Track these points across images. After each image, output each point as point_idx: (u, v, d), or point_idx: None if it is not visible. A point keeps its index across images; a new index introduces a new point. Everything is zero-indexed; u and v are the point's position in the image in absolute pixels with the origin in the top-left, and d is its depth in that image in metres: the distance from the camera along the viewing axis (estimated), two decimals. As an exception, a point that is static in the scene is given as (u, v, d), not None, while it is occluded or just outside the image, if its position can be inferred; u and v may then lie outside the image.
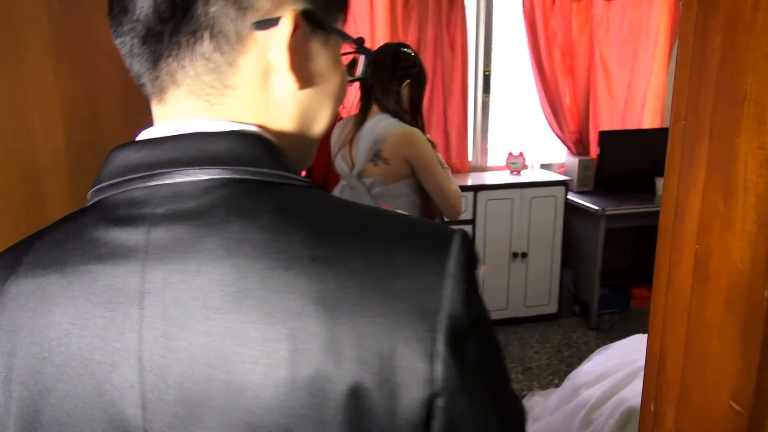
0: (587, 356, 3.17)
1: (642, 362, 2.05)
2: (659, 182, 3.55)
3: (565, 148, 3.73)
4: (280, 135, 0.50)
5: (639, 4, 3.58)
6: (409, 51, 1.92)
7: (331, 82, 0.52)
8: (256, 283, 0.42)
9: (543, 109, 3.61)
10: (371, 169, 1.86)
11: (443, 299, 0.42)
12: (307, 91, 0.50)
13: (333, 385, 0.41)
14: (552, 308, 3.58)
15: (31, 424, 0.46)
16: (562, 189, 3.43)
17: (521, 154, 3.59)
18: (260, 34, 0.47)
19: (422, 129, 1.94)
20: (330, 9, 0.51)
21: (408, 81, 1.89)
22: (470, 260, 0.45)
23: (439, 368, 0.42)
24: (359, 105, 1.95)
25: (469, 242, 0.45)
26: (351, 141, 1.93)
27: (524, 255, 3.46)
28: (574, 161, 3.64)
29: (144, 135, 0.49)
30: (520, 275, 3.48)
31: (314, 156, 0.57)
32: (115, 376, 0.44)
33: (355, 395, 0.41)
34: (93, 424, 0.45)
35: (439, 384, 0.42)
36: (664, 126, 3.73)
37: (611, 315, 3.68)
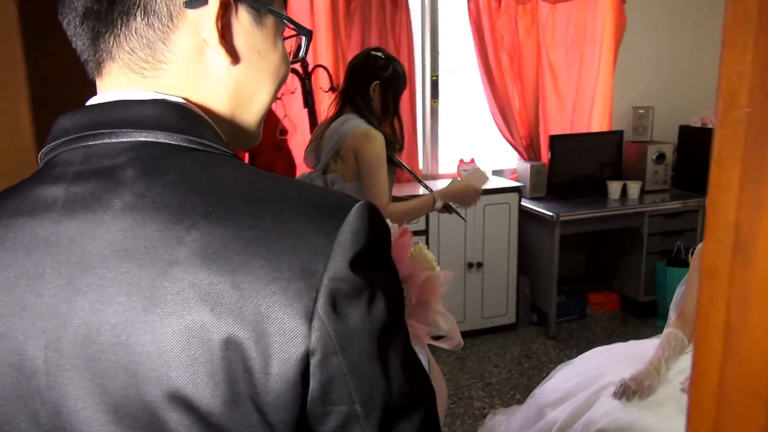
0: (547, 368, 3.08)
1: (607, 379, 1.96)
2: (611, 186, 3.51)
3: (516, 154, 3.65)
4: (212, 109, 0.52)
5: (583, 7, 3.55)
6: (379, 54, 1.98)
7: (267, 60, 0.54)
8: (150, 235, 0.44)
9: (493, 114, 3.52)
10: (333, 165, 1.93)
11: (329, 261, 0.43)
12: (241, 67, 0.52)
13: (209, 335, 0.42)
14: (510, 318, 3.48)
15: None
16: (515, 195, 3.34)
17: (473, 161, 3.49)
18: (192, 12, 0.49)
19: (397, 134, 2.00)
20: None
21: (377, 83, 1.94)
22: (369, 229, 0.45)
23: (316, 327, 0.42)
24: (336, 105, 2.03)
25: (371, 213, 0.46)
26: (320, 137, 2.00)
27: (479, 265, 3.34)
28: (525, 167, 3.56)
29: (88, 103, 0.52)
30: (476, 286, 3.36)
31: (258, 136, 0.58)
32: (24, 320, 0.46)
33: (231, 347, 0.42)
34: (4, 365, 0.47)
35: (315, 343, 0.42)
36: (613, 129, 3.71)
37: (569, 322, 3.61)
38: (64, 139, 0.49)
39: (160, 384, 0.43)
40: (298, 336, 0.42)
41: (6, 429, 0.48)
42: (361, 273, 0.44)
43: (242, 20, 0.52)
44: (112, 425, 0.45)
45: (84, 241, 0.45)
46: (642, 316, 3.60)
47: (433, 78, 3.45)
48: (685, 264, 3.40)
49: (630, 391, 1.67)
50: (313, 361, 0.43)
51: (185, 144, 0.48)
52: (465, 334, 3.39)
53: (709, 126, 3.56)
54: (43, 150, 0.51)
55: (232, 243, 0.43)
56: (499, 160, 3.73)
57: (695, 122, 3.65)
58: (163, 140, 0.48)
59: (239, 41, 0.52)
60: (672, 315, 2.01)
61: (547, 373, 3.01)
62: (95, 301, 0.44)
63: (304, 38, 0.59)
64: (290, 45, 0.60)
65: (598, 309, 3.74)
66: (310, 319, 0.42)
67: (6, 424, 0.48)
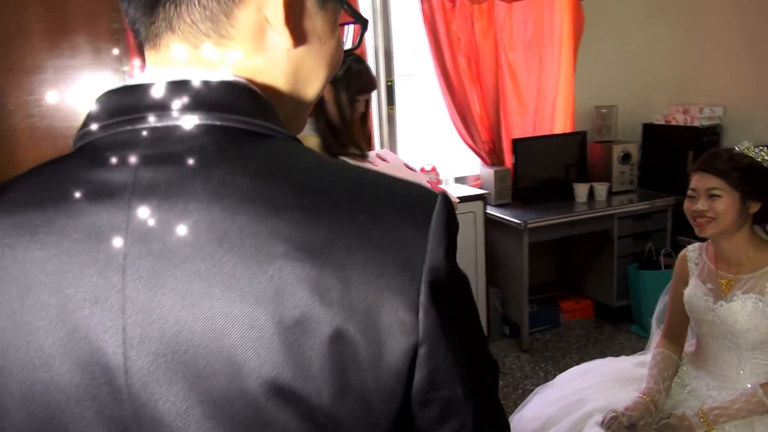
0: (522, 384, 2.92)
1: (590, 405, 1.80)
2: (578, 188, 3.39)
3: (479, 159, 3.50)
4: (271, 91, 0.50)
5: (540, 6, 3.43)
6: None
7: (326, 46, 0.53)
8: (244, 226, 0.42)
9: (452, 119, 3.37)
10: None
11: (426, 253, 0.43)
12: (301, 50, 0.51)
13: (318, 328, 0.41)
14: (481, 333, 3.31)
15: (2, 359, 0.45)
16: (480, 204, 3.18)
17: (434, 169, 3.31)
18: None
19: (348, 139, 1.88)
20: None
21: (328, 84, 1.72)
22: (451, 220, 0.46)
23: (422, 318, 0.43)
24: None
25: (450, 204, 0.46)
26: None
27: (447, 278, 3.16)
28: (489, 172, 3.41)
29: (135, 80, 0.48)
30: (444, 301, 3.18)
31: (304, 122, 0.57)
32: (96, 314, 0.44)
33: (340, 340, 0.42)
34: (71, 361, 0.44)
35: (422, 333, 0.43)
36: (576, 130, 3.59)
37: (542, 333, 3.46)
38: (118, 119, 0.46)
39: (266, 379, 0.42)
40: (407, 328, 0.43)
41: (75, 428, 0.45)
42: (450, 263, 0.45)
43: (307, 2, 0.50)
44: (211, 421, 0.43)
45: (167, 231, 0.43)
46: (616, 322, 3.48)
47: (389, 83, 3.27)
48: (658, 266, 3.30)
49: (621, 424, 1.50)
50: (421, 352, 0.43)
51: (257, 129, 0.47)
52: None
53: (673, 123, 3.48)
54: (83, 129, 0.47)
55: (334, 237, 0.42)
56: (462, 167, 3.58)
57: (659, 120, 3.57)
58: (235, 125, 0.46)
59: (302, 23, 0.50)
60: (655, 329, 1.86)
61: (523, 391, 2.86)
62: (186, 295, 0.42)
63: (360, 27, 0.58)
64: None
65: (571, 317, 3.60)
66: (416, 311, 0.43)
67: (74, 424, 0.45)
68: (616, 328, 3.45)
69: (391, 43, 3.26)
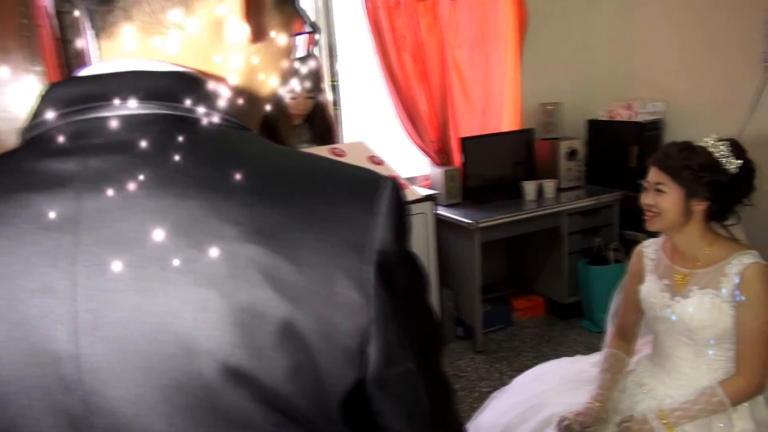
0: (478, 387, 2.87)
1: (549, 410, 1.75)
2: (527, 186, 3.38)
3: (428, 159, 3.45)
4: (230, 85, 0.50)
5: (484, 4, 3.41)
6: None
7: (281, 45, 0.54)
8: (195, 211, 0.42)
9: (400, 119, 3.30)
10: None
11: (376, 235, 0.44)
12: (257, 47, 0.51)
13: (270, 310, 0.42)
14: (435, 335, 3.25)
15: None
16: (430, 204, 3.11)
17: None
18: None
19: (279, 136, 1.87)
20: None
21: None
22: (400, 202, 0.47)
23: (373, 298, 0.44)
24: None
25: (399, 187, 0.47)
26: None
27: (399, 282, 3.09)
28: (438, 172, 3.36)
29: (87, 71, 0.49)
30: (396, 305, 3.10)
31: (258, 122, 0.57)
32: (47, 303, 0.43)
33: (292, 321, 0.42)
34: (19, 353, 0.44)
35: (373, 313, 0.44)
36: (524, 128, 3.59)
37: (496, 333, 3.43)
38: (67, 110, 0.46)
39: (220, 361, 0.42)
40: (357, 308, 0.43)
41: (23, 422, 0.44)
42: (400, 243, 0.46)
43: (265, 1, 0.51)
44: (165, 406, 0.43)
45: (117, 219, 0.43)
46: (568, 318, 3.49)
47: (333, 83, 3.17)
48: (606, 261, 3.32)
49: (572, 430, 1.46)
50: (373, 330, 0.44)
51: (207, 118, 0.47)
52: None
53: (617, 119, 3.52)
54: (33, 121, 0.47)
55: (284, 220, 0.43)
56: (410, 167, 3.51)
57: (603, 116, 3.60)
58: (186, 114, 0.46)
59: (260, 20, 0.51)
60: (610, 327, 1.83)
61: (479, 394, 2.81)
62: (138, 280, 0.42)
63: (312, 35, 0.59)
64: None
65: (523, 315, 3.59)
66: (366, 291, 0.43)
67: (22, 417, 0.44)
68: (568, 324, 3.46)
69: (335, 43, 3.16)
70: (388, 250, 0.44)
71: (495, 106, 3.56)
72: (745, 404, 1.42)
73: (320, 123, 2.17)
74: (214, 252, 0.42)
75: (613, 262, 3.31)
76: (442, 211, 3.20)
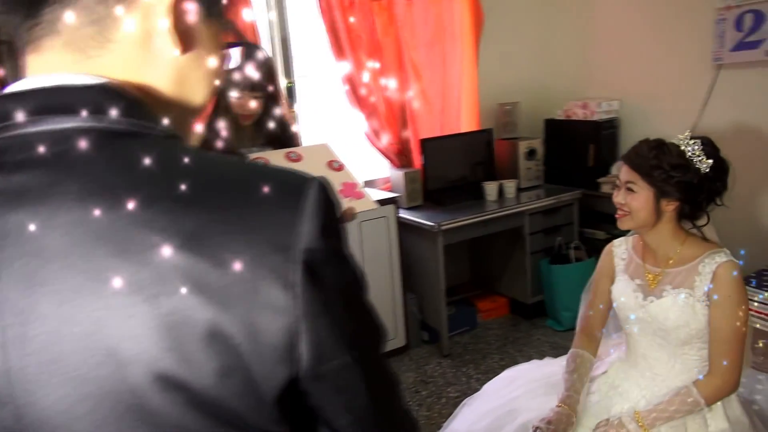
0: (446, 393, 2.82)
1: (523, 416, 1.71)
2: (488, 187, 3.36)
3: (387, 162, 3.38)
4: (156, 95, 0.52)
5: (439, 3, 3.37)
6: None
7: (211, 56, 0.55)
8: (119, 220, 0.43)
9: (358, 120, 3.22)
10: None
11: (300, 234, 0.45)
12: (186, 58, 0.52)
13: (196, 314, 0.42)
14: (400, 341, 3.19)
15: None
16: (392, 208, 3.05)
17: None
18: None
19: (206, 146, 1.75)
20: None
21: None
22: (326, 202, 0.47)
23: (301, 296, 0.44)
24: None
25: (326, 187, 0.48)
26: None
27: (362, 288, 3.01)
28: (399, 174, 3.30)
29: (12, 88, 0.49)
30: (360, 311, 3.02)
31: (192, 127, 0.58)
32: None
33: (218, 324, 0.43)
34: None
35: (301, 311, 0.44)
36: (483, 128, 3.57)
37: (461, 336, 3.39)
38: None
39: (148, 367, 0.43)
40: (283, 307, 0.44)
41: None
42: (328, 241, 0.46)
43: (193, 13, 0.52)
44: (97, 415, 0.44)
45: (41, 233, 0.43)
46: (532, 318, 3.48)
47: (289, 85, 3.07)
48: (568, 260, 3.33)
49: None
50: (302, 327, 0.45)
51: (132, 129, 0.47)
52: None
53: (574, 118, 3.54)
54: None
55: (208, 225, 0.43)
56: (370, 170, 3.44)
57: (560, 115, 3.62)
58: (108, 126, 0.47)
59: (189, 32, 0.51)
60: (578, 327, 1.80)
61: (447, 400, 2.76)
62: (64, 292, 0.43)
63: (238, 49, 0.63)
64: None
65: (488, 316, 3.57)
66: (292, 289, 0.44)
67: None
68: (532, 324, 3.46)
69: (289, 42, 3.07)
70: (315, 248, 0.45)
71: (453, 107, 3.53)
72: (719, 403, 1.40)
73: (273, 124, 2.03)
74: (137, 260, 0.42)
75: (574, 260, 3.32)
76: (404, 214, 3.14)
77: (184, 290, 0.42)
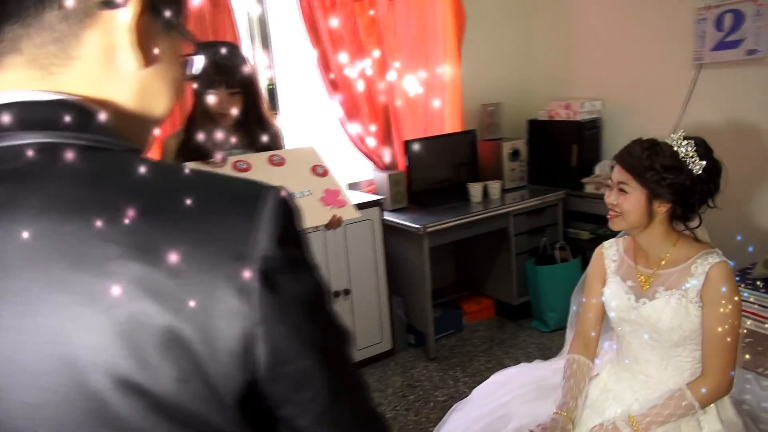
0: (434, 397, 2.79)
1: (515, 422, 1.69)
2: (472, 188, 3.34)
3: (371, 164, 3.35)
4: (118, 109, 0.53)
5: (422, 4, 3.35)
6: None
7: (171, 70, 0.57)
8: (77, 233, 0.44)
9: (341, 122, 3.19)
10: None
11: (257, 242, 0.46)
12: (148, 72, 0.54)
13: (153, 322, 0.44)
14: (386, 345, 3.15)
15: None
16: (376, 210, 3.02)
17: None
18: (107, 13, 0.50)
19: (185, 148, 1.76)
20: (171, 6, 0.55)
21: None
22: (285, 210, 0.49)
23: (257, 302, 0.46)
24: None
25: (283, 197, 0.50)
26: None
27: (347, 292, 2.98)
28: (383, 177, 3.27)
29: None
30: (345, 316, 2.98)
31: (151, 142, 0.60)
32: None
33: (175, 331, 0.44)
34: None
35: (259, 316, 0.46)
36: (466, 129, 3.55)
37: (447, 338, 3.37)
38: None
39: (108, 374, 0.44)
40: (239, 313, 0.45)
41: None
42: (285, 249, 0.48)
43: (154, 28, 0.54)
44: (59, 423, 0.45)
45: (0, 245, 0.44)
46: (518, 319, 3.47)
47: (270, 86, 3.03)
48: (553, 260, 3.33)
49: None
50: (259, 332, 0.46)
51: (90, 144, 0.49)
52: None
53: (557, 118, 3.54)
54: None
55: (164, 235, 0.45)
56: (353, 172, 3.41)
57: (543, 116, 3.62)
58: (66, 141, 0.48)
59: (150, 46, 0.53)
60: (570, 333, 1.78)
61: (435, 404, 2.73)
62: (23, 304, 0.44)
63: (199, 57, 0.62)
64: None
65: (474, 318, 3.55)
66: (248, 296, 0.45)
67: None
68: (518, 325, 3.45)
69: (270, 44, 3.02)
70: (272, 256, 0.47)
71: (436, 108, 3.51)
72: (713, 405, 1.39)
73: (254, 124, 1.95)
74: (94, 272, 0.44)
75: (559, 260, 3.32)
76: (389, 217, 3.11)
77: (140, 299, 0.44)
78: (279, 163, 1.90)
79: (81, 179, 0.46)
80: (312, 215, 1.75)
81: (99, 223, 0.44)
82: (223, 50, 1.84)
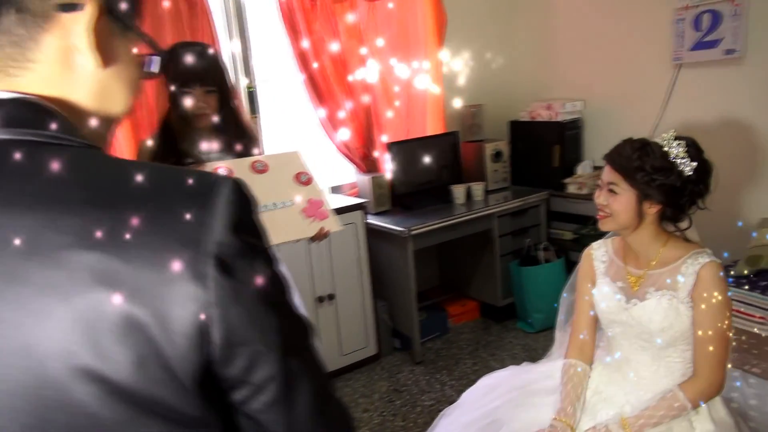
0: (421, 401, 2.76)
1: (506, 428, 1.66)
2: (456, 190, 3.33)
3: (353, 167, 3.32)
4: (77, 108, 0.55)
5: (403, 6, 3.33)
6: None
7: (128, 70, 0.58)
8: (34, 226, 0.46)
9: (322, 125, 3.15)
10: None
11: (211, 229, 0.48)
12: (106, 72, 0.56)
13: (109, 309, 0.46)
14: (371, 350, 3.12)
15: None
16: (359, 214, 2.99)
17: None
18: (65, 16, 0.52)
19: (161, 152, 1.73)
20: (128, 7, 0.57)
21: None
22: (240, 199, 0.52)
23: (211, 287, 0.48)
24: None
25: (241, 186, 0.52)
26: None
27: (331, 297, 2.94)
28: (365, 179, 3.23)
29: None
30: (330, 321, 2.94)
31: (109, 140, 0.62)
32: None
33: (130, 318, 0.46)
34: None
35: (212, 299, 0.48)
36: (449, 131, 3.54)
37: (433, 341, 3.34)
38: None
39: (66, 363, 0.46)
40: (193, 297, 0.47)
41: None
42: (240, 236, 0.50)
43: (110, 30, 0.55)
44: (22, 413, 0.47)
45: None
46: (503, 320, 3.46)
47: (249, 89, 2.98)
48: (537, 261, 3.33)
49: None
50: (213, 315, 0.48)
51: (48, 141, 0.50)
52: (325, 378, 2.97)
53: (538, 119, 3.55)
54: None
55: (119, 226, 0.46)
56: (336, 175, 3.37)
57: (524, 116, 3.62)
58: (22, 137, 0.49)
59: (108, 47, 0.55)
60: (559, 333, 1.76)
61: (422, 408, 2.70)
62: None
63: (157, 57, 0.63)
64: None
65: (458, 320, 3.54)
66: (203, 280, 0.47)
67: None
68: (503, 326, 3.44)
69: (249, 46, 2.97)
70: (227, 242, 0.49)
71: (418, 110, 3.49)
72: (704, 405, 1.38)
73: (230, 126, 1.88)
74: (51, 263, 0.45)
75: (543, 261, 3.32)
76: (372, 220, 3.08)
77: (96, 287, 0.45)
78: (262, 170, 1.85)
79: (40, 175, 0.48)
80: (293, 227, 1.70)
81: (56, 216, 0.46)
82: (197, 50, 1.80)
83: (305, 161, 1.89)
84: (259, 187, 1.69)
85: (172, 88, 1.72)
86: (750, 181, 2.87)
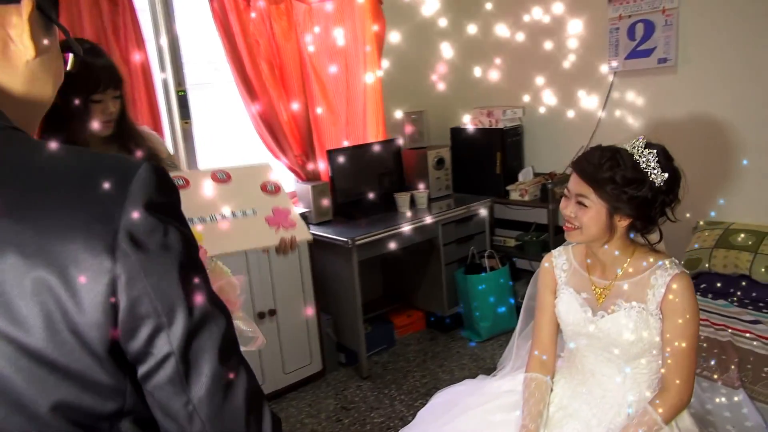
0: (370, 418, 2.64)
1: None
2: (399, 198, 3.25)
3: (293, 175, 3.18)
4: (8, 95, 0.59)
5: (341, 8, 3.23)
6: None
7: (54, 62, 0.63)
8: None
9: (258, 132, 3.00)
10: None
11: (124, 207, 0.52)
12: (37, 62, 0.60)
13: (21, 277, 0.49)
14: (316, 366, 2.98)
15: None
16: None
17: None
18: (2, 8, 0.57)
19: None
20: (51, 5, 0.63)
21: None
22: (156, 180, 0.55)
23: (120, 259, 0.51)
24: None
25: (159, 170, 0.55)
26: None
27: (272, 312, 2.78)
28: (306, 188, 3.10)
29: None
30: (272, 337, 2.78)
31: (36, 126, 0.65)
32: None
33: (42, 286, 0.49)
34: None
35: (120, 271, 0.51)
36: (389, 138, 3.46)
37: (379, 355, 3.24)
38: None
39: None
40: (103, 268, 0.50)
41: None
42: (154, 215, 0.53)
43: (40, 23, 0.60)
44: None
45: None
46: (448, 330, 3.41)
47: (180, 93, 2.78)
48: (482, 269, 3.30)
49: None
50: (120, 286, 0.51)
51: None
52: (269, 398, 2.80)
53: (479, 126, 3.53)
54: None
55: (36, 201, 0.50)
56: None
57: (465, 123, 3.60)
58: None
59: (39, 39, 0.59)
60: (516, 343, 1.70)
61: (372, 426, 2.58)
62: None
63: (71, 55, 0.69)
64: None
65: (404, 332, 3.45)
66: (112, 252, 0.50)
67: None
68: (450, 336, 3.38)
69: (179, 48, 2.78)
70: (138, 218, 0.52)
71: (358, 116, 3.39)
72: (671, 416, 1.34)
73: (127, 134, 1.68)
74: None
75: (488, 269, 3.29)
76: (314, 230, 2.95)
77: (9, 255, 0.49)
78: (224, 179, 1.69)
79: None
80: (255, 235, 1.56)
81: None
82: (98, 50, 1.59)
83: (272, 173, 1.75)
84: (220, 197, 1.56)
85: (77, 92, 1.48)
86: (683, 186, 2.95)
